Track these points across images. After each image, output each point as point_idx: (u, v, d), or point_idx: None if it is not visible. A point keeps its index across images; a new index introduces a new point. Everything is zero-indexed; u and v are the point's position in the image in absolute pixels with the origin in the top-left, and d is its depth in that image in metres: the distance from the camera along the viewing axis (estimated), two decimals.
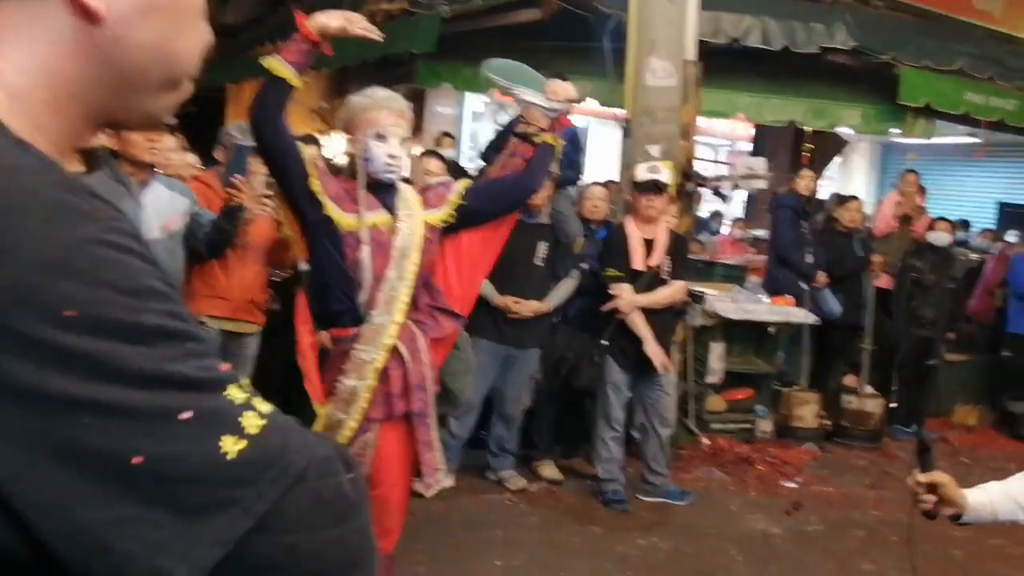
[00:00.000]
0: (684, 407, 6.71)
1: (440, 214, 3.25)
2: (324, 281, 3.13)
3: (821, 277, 7.45)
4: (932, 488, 2.34)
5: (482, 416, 5.69)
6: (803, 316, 7.29)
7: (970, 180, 14.20)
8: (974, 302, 8.86)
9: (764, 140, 11.86)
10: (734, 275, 8.17)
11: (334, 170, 3.38)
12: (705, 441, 6.69)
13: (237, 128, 4.79)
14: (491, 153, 6.09)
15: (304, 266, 3.24)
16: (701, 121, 6.85)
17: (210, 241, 4.30)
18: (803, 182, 7.82)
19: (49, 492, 0.66)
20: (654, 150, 6.15)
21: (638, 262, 5.35)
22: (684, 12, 6.42)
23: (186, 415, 0.70)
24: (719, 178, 7.88)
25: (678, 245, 5.55)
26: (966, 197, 13.92)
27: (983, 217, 13.31)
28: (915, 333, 7.78)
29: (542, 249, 5.53)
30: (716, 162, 14.54)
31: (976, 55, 8.39)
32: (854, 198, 8.27)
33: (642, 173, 5.35)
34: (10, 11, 0.76)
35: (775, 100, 8.45)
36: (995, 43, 8.83)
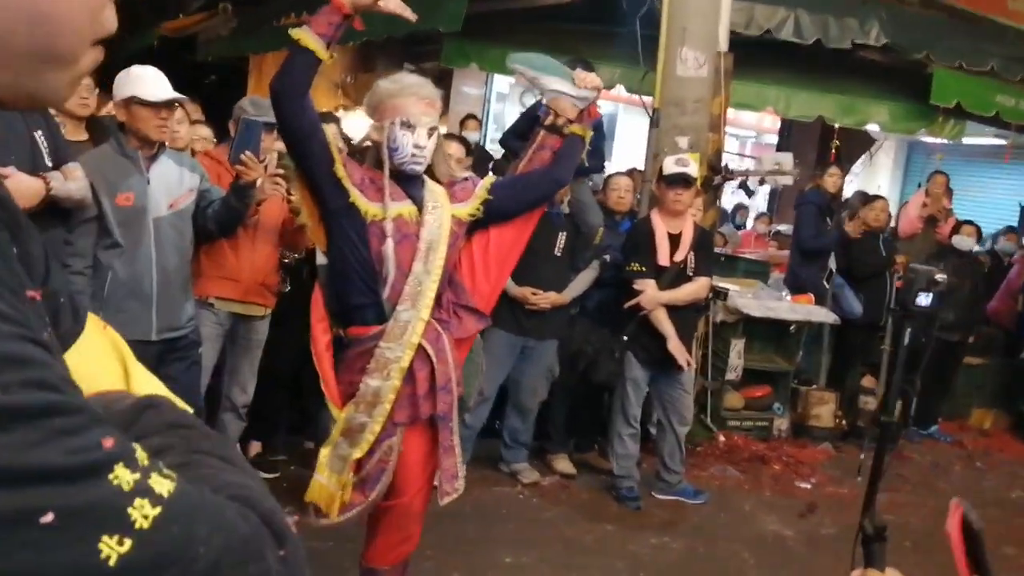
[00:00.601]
0: (701, 403, 6.64)
1: (468, 208, 3.14)
2: (345, 273, 2.99)
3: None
4: None
5: (496, 406, 5.63)
6: (824, 315, 7.20)
7: (994, 182, 14.03)
8: (994, 303, 8.73)
9: (790, 134, 11.73)
10: (757, 271, 8.06)
11: (353, 151, 3.26)
12: (721, 438, 6.62)
13: (251, 103, 4.66)
14: (511, 139, 6.01)
15: (321, 259, 3.09)
16: (728, 112, 6.74)
17: (219, 219, 4.13)
18: (831, 180, 7.71)
19: None
20: (682, 142, 6.06)
21: (663, 257, 5.25)
22: (718, 2, 6.30)
23: (47, 518, 0.57)
24: (746, 172, 7.78)
25: (704, 240, 5.45)
26: (990, 199, 13.75)
27: (1006, 219, 13.12)
28: (934, 336, 7.68)
29: (562, 240, 5.44)
30: (742, 155, 14.42)
31: (1008, 56, 8.24)
32: (880, 198, 8.15)
33: (670, 166, 5.24)
34: None
35: (804, 95, 8.34)
36: None
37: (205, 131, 5.40)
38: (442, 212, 3.05)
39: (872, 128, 9.30)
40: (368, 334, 2.99)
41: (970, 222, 8.10)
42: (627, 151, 14.21)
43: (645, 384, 5.42)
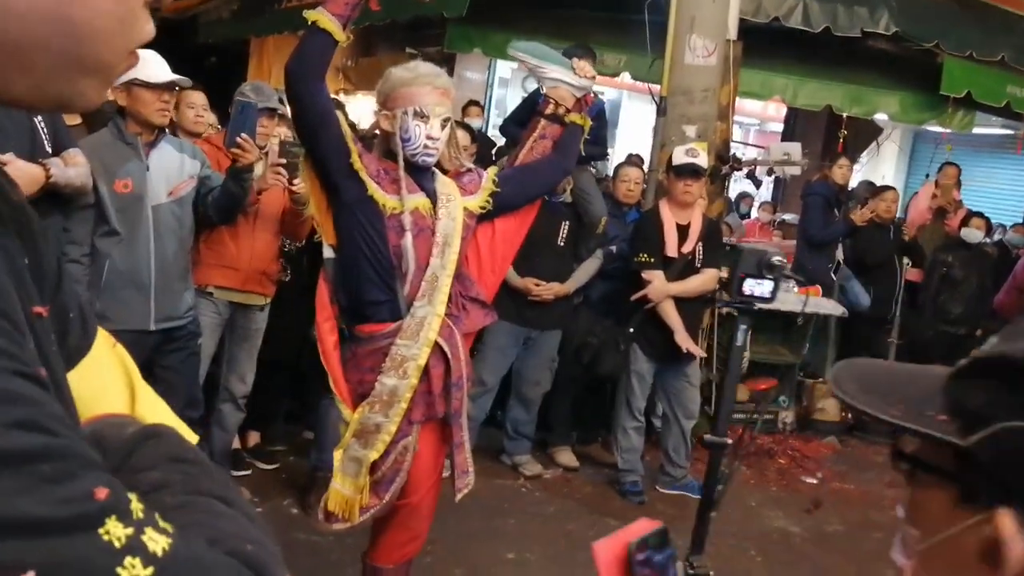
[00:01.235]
0: (706, 396, 6.56)
1: (478, 200, 3.07)
2: (359, 268, 2.89)
3: None
4: None
5: (499, 397, 5.56)
6: (831, 307, 7.11)
7: (1003, 172, 13.93)
8: (1001, 296, 8.64)
9: (796, 123, 11.62)
10: None
11: (360, 138, 3.16)
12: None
13: (253, 88, 4.58)
14: (511, 126, 5.92)
15: (328, 252, 2.99)
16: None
17: (218, 205, 4.04)
18: (840, 171, 7.62)
19: None
20: (690, 131, 5.96)
21: (672, 249, 5.16)
22: None
23: None
24: (754, 162, 7.69)
25: (712, 231, 5.37)
26: (998, 189, 13.66)
27: (1014, 210, 13.04)
28: (941, 329, 7.61)
29: (564, 229, 5.37)
30: (747, 144, 14.32)
31: (1019, 46, 8.14)
32: (891, 188, 8.06)
33: (680, 156, 5.15)
34: None
35: (812, 83, 8.25)
36: None
37: (211, 117, 5.31)
38: (455, 205, 2.97)
39: (880, 117, 9.21)
40: (381, 331, 2.90)
41: (979, 214, 8.01)
42: (631, 138, 14.14)
43: (650, 376, 5.35)
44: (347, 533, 3.09)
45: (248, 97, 4.34)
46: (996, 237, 9.51)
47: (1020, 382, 0.80)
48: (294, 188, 4.13)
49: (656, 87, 6.34)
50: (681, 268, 5.17)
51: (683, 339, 5.10)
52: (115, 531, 0.55)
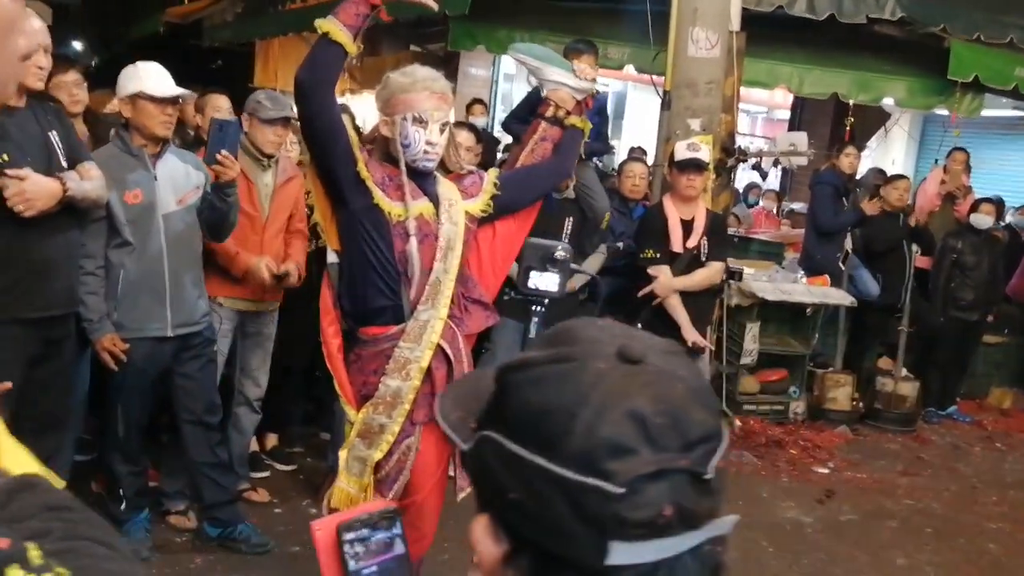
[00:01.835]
0: (717, 388, 6.58)
1: (479, 203, 3.10)
2: (364, 274, 2.92)
3: None
4: None
5: None
6: (841, 297, 7.12)
7: (1013, 155, 13.82)
8: (1014, 282, 8.61)
9: (803, 110, 11.58)
10: (771, 251, 7.97)
11: (363, 141, 3.19)
12: (737, 423, 6.56)
13: (268, 96, 4.53)
14: (513, 123, 5.92)
15: (332, 257, 3.02)
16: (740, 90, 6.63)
17: (208, 222, 4.02)
18: (847, 160, 7.61)
19: None
20: (695, 124, 5.96)
21: (676, 243, 5.18)
22: None
23: None
24: (760, 153, 7.68)
25: (716, 225, 5.38)
26: (1009, 172, 13.55)
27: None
28: (953, 315, 7.60)
29: (568, 225, 5.37)
30: (753, 135, 14.26)
31: None
32: (903, 177, 8.02)
33: (682, 151, 5.16)
34: None
35: (818, 71, 8.18)
36: None
37: None
38: (457, 209, 3.01)
39: (887, 103, 9.16)
40: (385, 334, 2.94)
41: (990, 200, 7.97)
42: (637, 130, 14.11)
43: None
44: None
45: (266, 106, 4.34)
46: (1008, 219, 9.47)
47: (502, 392, 0.84)
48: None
49: (660, 79, 6.34)
50: (687, 263, 5.18)
51: (690, 333, 5.11)
52: None
